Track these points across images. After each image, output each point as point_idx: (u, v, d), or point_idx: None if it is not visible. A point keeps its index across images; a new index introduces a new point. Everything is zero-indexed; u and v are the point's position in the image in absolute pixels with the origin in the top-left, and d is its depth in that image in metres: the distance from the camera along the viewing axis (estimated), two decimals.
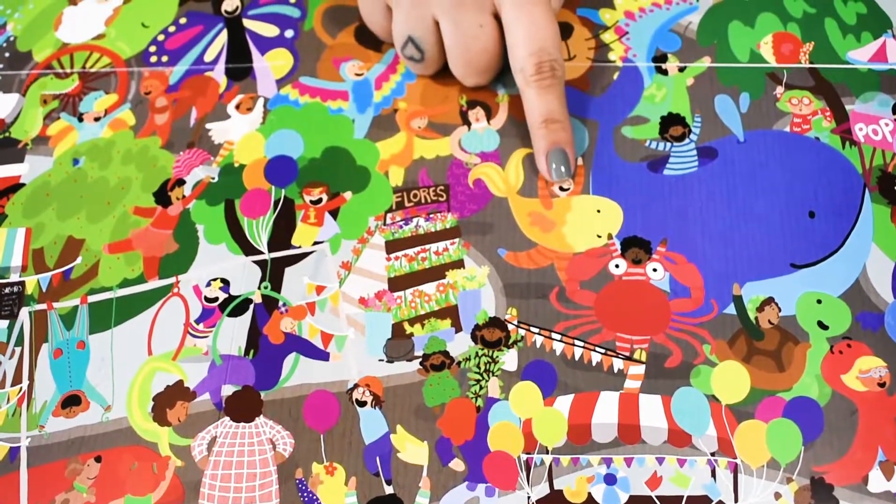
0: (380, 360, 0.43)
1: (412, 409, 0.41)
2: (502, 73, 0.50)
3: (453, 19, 0.46)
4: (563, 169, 0.46)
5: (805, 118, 0.48)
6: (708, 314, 0.43)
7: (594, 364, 0.42)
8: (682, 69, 0.50)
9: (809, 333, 0.42)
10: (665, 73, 0.50)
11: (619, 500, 0.39)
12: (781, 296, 0.43)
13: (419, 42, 0.48)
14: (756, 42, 0.51)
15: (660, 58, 0.50)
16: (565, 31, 0.52)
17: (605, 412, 0.41)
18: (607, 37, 0.52)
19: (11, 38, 0.56)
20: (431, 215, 0.46)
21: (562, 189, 0.47)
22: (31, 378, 0.44)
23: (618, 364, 0.42)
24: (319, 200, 0.47)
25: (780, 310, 0.43)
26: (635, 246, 0.45)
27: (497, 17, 0.47)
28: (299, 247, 0.46)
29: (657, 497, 0.39)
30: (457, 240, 0.46)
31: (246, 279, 0.45)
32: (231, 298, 0.45)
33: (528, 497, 0.39)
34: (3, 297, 0.46)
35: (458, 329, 0.43)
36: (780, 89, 0.49)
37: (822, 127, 0.47)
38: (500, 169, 0.48)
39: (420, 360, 0.43)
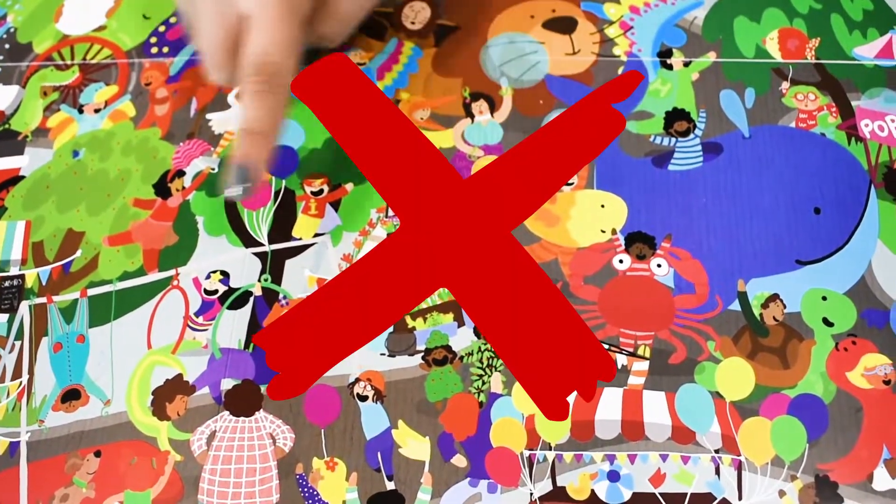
0: (381, 355, 0.42)
1: (414, 404, 0.41)
2: (505, 63, 0.50)
3: (199, 6, 0.44)
4: (239, 188, 0.41)
5: (811, 114, 0.47)
6: (712, 310, 0.42)
7: None
8: (686, 64, 0.49)
9: (814, 330, 0.42)
10: (670, 67, 0.49)
11: (622, 497, 0.39)
12: (786, 292, 0.43)
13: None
14: (762, 37, 0.50)
15: (665, 53, 0.50)
16: (569, 25, 0.52)
17: (609, 408, 0.41)
18: (612, 31, 0.51)
19: (12, 30, 0.56)
20: None
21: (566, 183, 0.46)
22: (30, 372, 0.43)
23: (621, 360, 0.42)
24: (320, 191, 0.47)
25: (784, 306, 0.42)
26: (639, 241, 0.44)
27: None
28: (300, 239, 0.46)
29: (661, 494, 0.39)
30: None
31: (246, 271, 0.45)
32: (231, 291, 0.44)
33: (531, 494, 0.39)
34: (3, 291, 0.46)
35: (461, 323, 0.43)
36: (785, 85, 0.48)
37: (827, 123, 0.47)
38: None
39: (422, 354, 0.42)
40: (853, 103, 0.47)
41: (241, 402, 0.42)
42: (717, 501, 0.38)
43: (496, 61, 0.50)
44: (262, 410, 0.41)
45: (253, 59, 0.42)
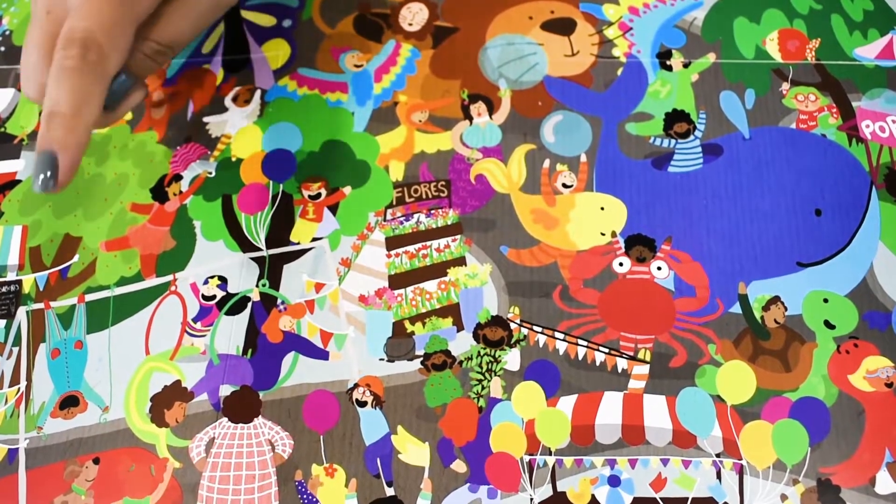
0: (380, 360, 0.42)
1: (413, 409, 0.41)
2: (504, 65, 0.49)
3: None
4: (47, 180, 0.37)
5: (811, 115, 0.47)
6: (713, 313, 0.42)
7: (598, 364, 0.42)
8: (686, 65, 0.49)
9: (816, 333, 0.42)
10: (669, 69, 0.49)
11: (623, 502, 0.39)
12: (787, 295, 0.42)
13: None
14: (762, 38, 0.50)
15: (664, 54, 0.50)
16: (568, 26, 0.51)
17: (609, 413, 0.40)
18: (611, 32, 0.51)
19: (7, 32, 0.56)
20: (432, 211, 0.46)
21: (565, 186, 0.46)
22: (28, 379, 0.43)
23: (622, 364, 0.41)
24: (318, 195, 0.47)
25: (786, 309, 0.42)
26: (639, 244, 0.44)
27: None
28: (298, 243, 0.46)
29: (662, 499, 0.38)
30: (458, 236, 0.45)
31: (244, 276, 0.45)
32: (229, 296, 0.44)
33: (531, 499, 0.39)
34: (0, 297, 0.46)
35: (460, 328, 0.43)
36: (785, 86, 0.48)
37: (828, 124, 0.47)
38: (503, 165, 0.47)
39: (421, 359, 0.42)
40: (854, 104, 0.47)
41: (240, 408, 0.41)
42: None
43: (495, 63, 0.50)
44: (260, 417, 0.41)
45: (66, 32, 0.37)
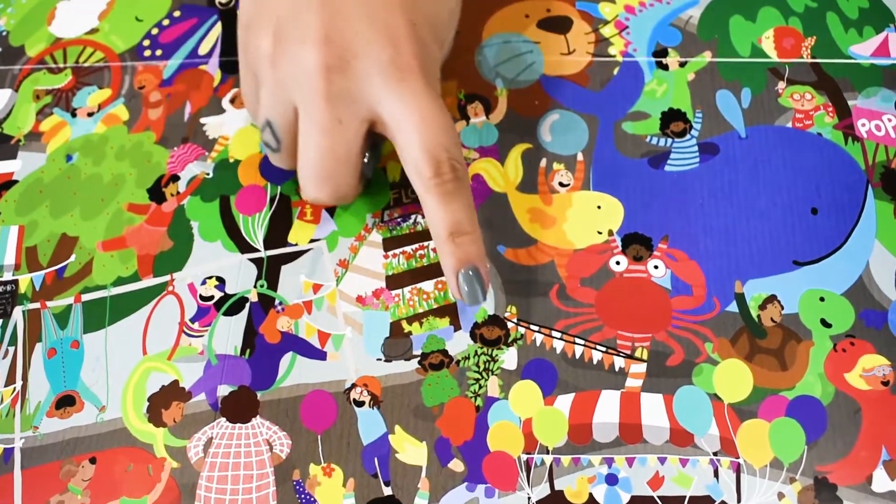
0: (378, 360, 0.42)
1: (411, 409, 0.41)
2: (500, 64, 0.49)
3: (308, 109, 0.40)
4: (478, 293, 0.40)
5: (807, 114, 0.47)
6: (710, 312, 0.42)
7: (595, 362, 0.42)
8: (682, 64, 0.49)
9: (812, 331, 0.42)
10: (666, 67, 0.49)
11: (620, 501, 0.39)
12: (784, 293, 0.42)
13: (276, 130, 0.42)
14: (757, 37, 0.50)
15: (660, 52, 0.50)
16: (565, 25, 0.51)
17: (607, 411, 0.40)
18: (607, 31, 0.51)
19: (4, 33, 0.56)
20: None
21: (561, 185, 0.46)
22: (24, 378, 0.43)
23: (619, 362, 0.41)
24: None
25: (782, 307, 0.42)
26: (636, 243, 0.44)
27: (373, 122, 0.41)
28: (296, 244, 0.46)
29: (659, 497, 0.38)
30: None
31: (242, 277, 0.45)
32: (227, 297, 0.44)
33: (529, 498, 0.39)
34: None
35: (457, 327, 0.43)
36: (781, 84, 0.48)
37: (824, 122, 0.47)
38: (499, 164, 0.47)
39: (418, 359, 0.42)
40: (850, 103, 0.47)
41: (238, 408, 0.41)
42: None
43: (491, 62, 0.50)
44: (258, 417, 0.41)
45: (435, 159, 0.39)
